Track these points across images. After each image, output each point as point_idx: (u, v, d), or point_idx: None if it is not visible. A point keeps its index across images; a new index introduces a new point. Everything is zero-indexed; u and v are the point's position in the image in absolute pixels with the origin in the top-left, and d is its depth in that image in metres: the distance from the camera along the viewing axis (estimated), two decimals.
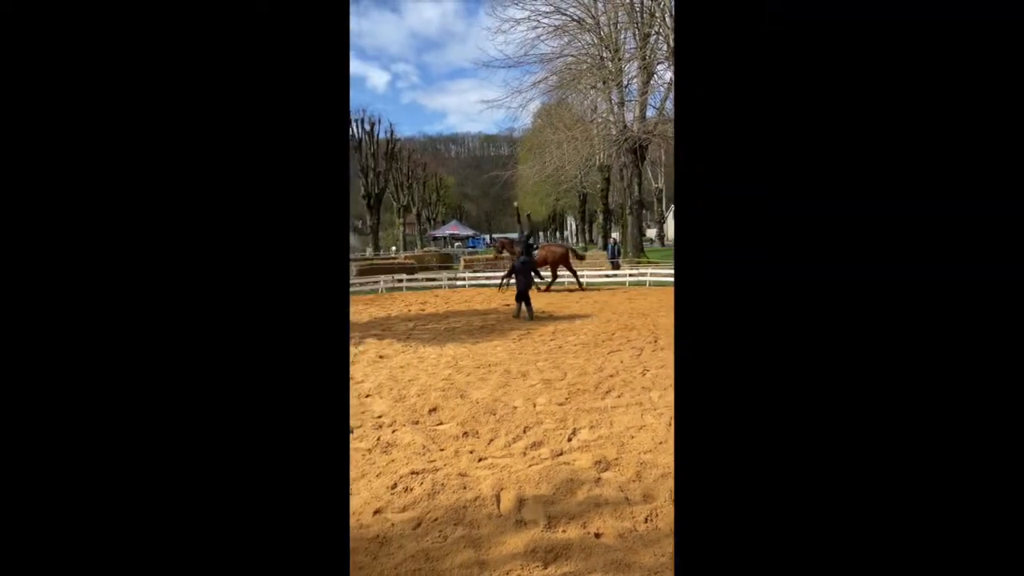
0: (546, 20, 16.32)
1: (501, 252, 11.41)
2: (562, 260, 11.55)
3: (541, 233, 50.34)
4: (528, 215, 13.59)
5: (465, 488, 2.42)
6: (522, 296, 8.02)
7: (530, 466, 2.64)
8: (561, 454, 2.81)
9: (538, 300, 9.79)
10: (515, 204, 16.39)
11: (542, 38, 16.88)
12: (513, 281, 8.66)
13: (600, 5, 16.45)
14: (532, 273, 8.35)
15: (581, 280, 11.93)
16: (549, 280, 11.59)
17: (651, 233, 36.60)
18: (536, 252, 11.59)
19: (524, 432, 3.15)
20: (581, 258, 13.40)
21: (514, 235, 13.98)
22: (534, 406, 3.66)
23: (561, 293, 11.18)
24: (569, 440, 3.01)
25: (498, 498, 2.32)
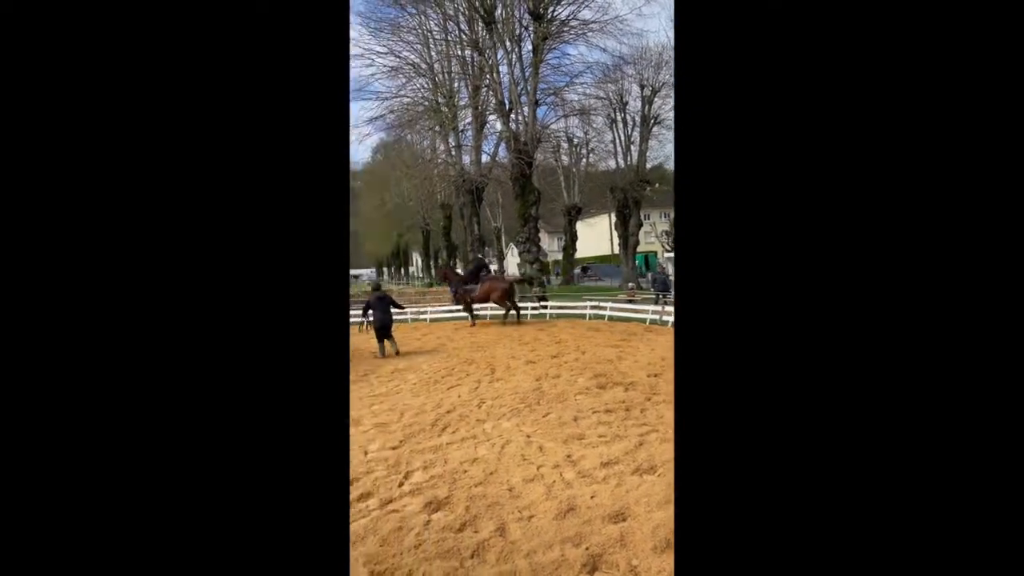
0: (380, 60, 16.47)
1: (444, 282, 10.83)
2: (505, 294, 11.36)
3: (385, 269, 48.89)
4: (479, 255, 13.28)
5: None
6: (384, 331, 7.67)
7: (354, 521, 2.46)
8: (391, 502, 2.68)
9: (372, 340, 9.42)
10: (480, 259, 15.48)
11: (376, 76, 16.97)
12: (371, 318, 8.17)
13: (433, 53, 17.27)
14: (390, 307, 8.04)
15: (521, 314, 11.91)
16: (507, 311, 11.40)
17: (492, 268, 38.45)
18: (479, 286, 11.33)
19: (351, 484, 2.94)
20: (544, 299, 13.43)
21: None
22: (365, 455, 3.45)
23: (406, 328, 10.92)
24: (400, 485, 2.90)
25: None
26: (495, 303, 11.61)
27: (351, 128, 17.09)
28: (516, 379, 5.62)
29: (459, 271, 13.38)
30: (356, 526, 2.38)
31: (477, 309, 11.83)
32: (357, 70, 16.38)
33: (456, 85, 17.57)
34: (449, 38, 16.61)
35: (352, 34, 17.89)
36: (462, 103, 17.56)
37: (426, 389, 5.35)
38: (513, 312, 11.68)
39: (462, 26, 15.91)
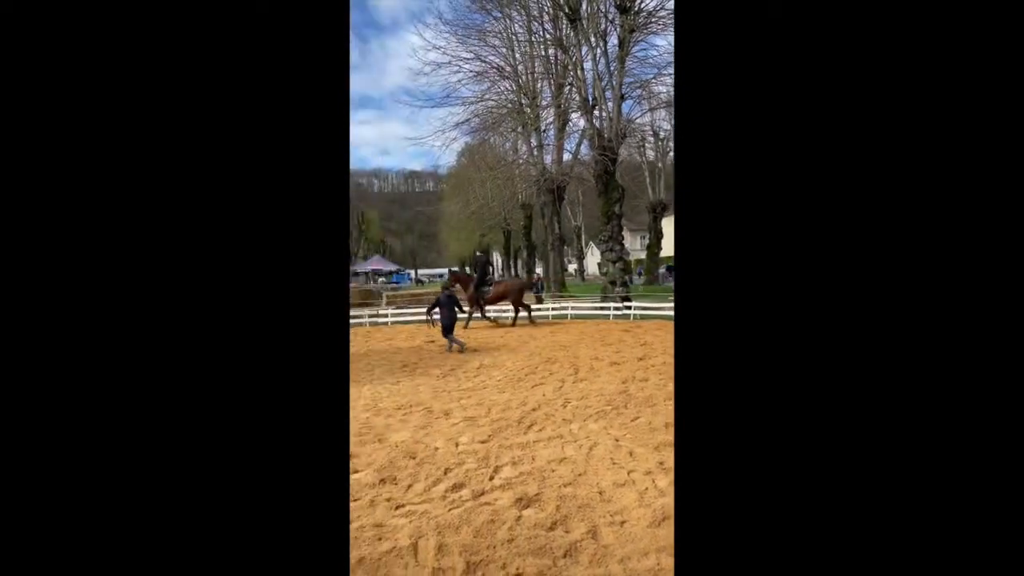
0: (467, 66, 17.01)
1: (453, 285, 11.22)
2: (519, 295, 11.61)
3: (467, 268, 50.57)
4: (479, 251, 13.67)
5: (381, 539, 2.29)
6: (448, 330, 7.95)
7: (450, 510, 2.56)
8: (482, 494, 2.76)
9: (465, 335, 9.72)
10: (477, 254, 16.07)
11: (463, 82, 17.53)
12: (437, 316, 8.56)
13: (518, 55, 17.49)
14: (456, 308, 8.34)
15: (532, 316, 12.03)
16: (518, 313, 11.62)
17: (572, 268, 38.24)
18: (493, 287, 11.61)
19: (445, 474, 3.06)
20: (540, 300, 13.63)
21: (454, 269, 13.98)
22: (456, 446, 3.58)
23: (488, 328, 11.20)
24: (491, 479, 2.97)
25: (416, 547, 2.21)
26: (512, 304, 11.57)
27: (440, 133, 17.79)
28: (601, 381, 5.52)
29: (467, 272, 13.27)
30: (451, 515, 2.48)
31: (468, 310, 11.60)
32: (444, 76, 17.00)
33: (539, 85, 17.65)
34: (533, 38, 16.74)
35: (440, 42, 18.70)
36: (544, 103, 17.61)
37: (511, 386, 5.44)
38: (524, 313, 11.65)
39: (546, 25, 15.95)
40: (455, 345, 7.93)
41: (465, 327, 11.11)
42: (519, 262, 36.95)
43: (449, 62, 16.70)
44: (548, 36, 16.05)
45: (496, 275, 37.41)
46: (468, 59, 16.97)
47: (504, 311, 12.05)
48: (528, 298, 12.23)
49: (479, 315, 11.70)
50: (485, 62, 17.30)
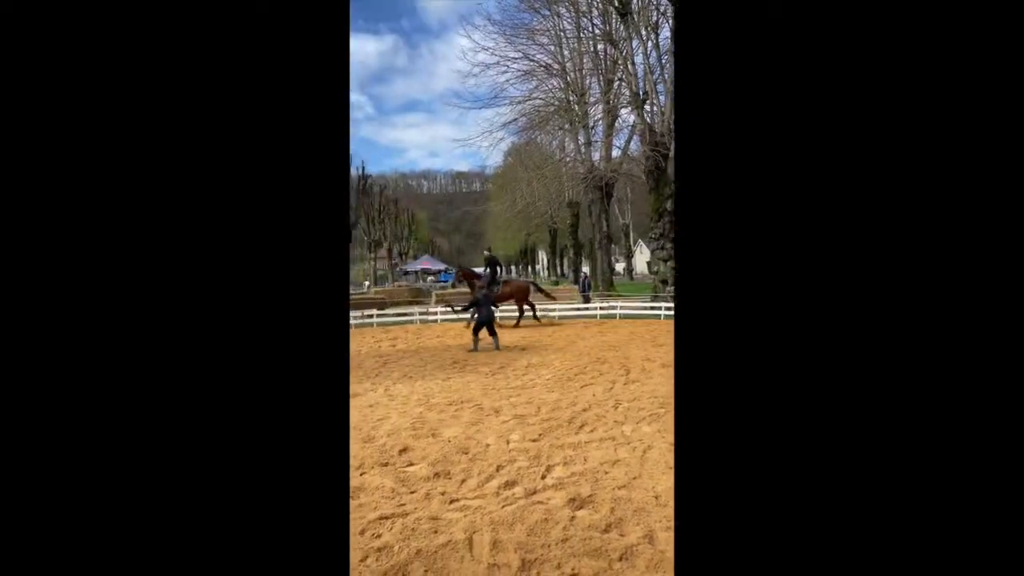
0: (515, 65, 17.07)
1: (460, 282, 11.25)
2: (525, 295, 11.62)
3: (512, 267, 50.82)
4: (488, 249, 13.70)
5: (437, 532, 2.34)
6: (481, 326, 8.10)
7: (503, 507, 2.58)
8: (535, 492, 2.76)
9: (513, 334, 9.78)
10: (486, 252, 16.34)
11: (511, 82, 17.60)
12: (475, 315, 8.70)
13: (566, 52, 17.36)
14: (493, 306, 8.50)
15: (537, 314, 11.98)
16: (516, 315, 11.60)
17: (620, 267, 37.50)
18: (502, 286, 11.61)
19: (497, 471, 3.09)
20: (552, 298, 13.53)
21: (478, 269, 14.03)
22: (507, 443, 3.60)
23: (534, 327, 11.20)
24: (543, 478, 2.96)
25: (471, 542, 2.24)
26: (517, 304, 11.37)
27: (488, 133, 17.98)
28: (653, 382, 5.38)
29: (474, 270, 12.90)
30: (504, 512, 2.50)
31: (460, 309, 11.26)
32: (492, 77, 17.14)
33: (588, 81, 17.44)
34: (582, 34, 16.55)
35: (488, 43, 18.85)
36: (592, 99, 17.38)
37: (560, 386, 5.41)
38: (530, 312, 11.50)
39: (595, 21, 15.72)
40: (491, 340, 8.05)
41: (467, 326, 11.13)
42: (564, 261, 36.67)
43: (497, 62, 16.84)
44: (597, 31, 15.81)
45: (541, 274, 37.27)
46: (516, 58, 17.04)
47: (507, 312, 11.90)
48: (533, 297, 12.09)
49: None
50: (533, 60, 17.31)
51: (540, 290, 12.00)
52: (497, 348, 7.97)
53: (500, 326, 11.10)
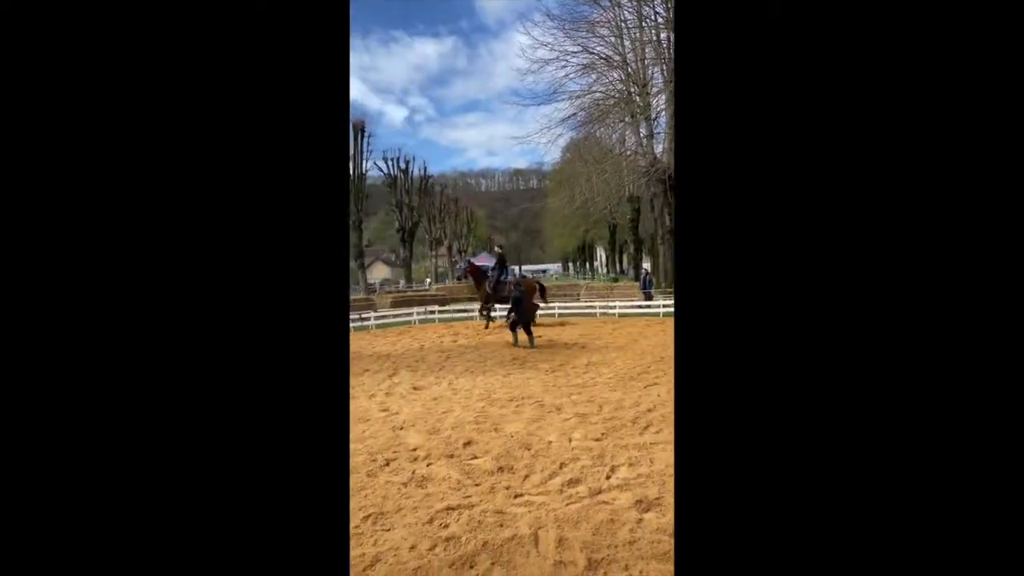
0: (574, 59, 16.83)
1: (465, 278, 11.18)
2: (530, 295, 11.40)
3: (570, 264, 50.33)
4: (499, 247, 13.56)
5: (502, 526, 2.37)
6: (518, 323, 8.27)
7: (568, 504, 2.57)
8: (600, 492, 2.72)
9: (571, 331, 9.71)
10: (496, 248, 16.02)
11: (570, 76, 17.38)
12: (513, 314, 8.78)
13: (627, 43, 16.88)
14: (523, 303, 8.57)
15: (535, 318, 11.61)
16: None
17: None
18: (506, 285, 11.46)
19: (560, 468, 3.08)
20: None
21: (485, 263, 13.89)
22: (569, 441, 3.58)
23: (595, 323, 11.04)
24: (608, 478, 2.92)
25: (536, 537, 2.25)
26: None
27: (546, 130, 17.92)
28: None
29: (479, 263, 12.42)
30: (569, 510, 2.49)
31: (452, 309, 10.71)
32: (551, 73, 17.01)
33: (650, 72, 16.86)
34: (644, 24, 16.01)
35: (547, 39, 18.73)
36: (655, 90, 16.78)
37: (622, 385, 5.30)
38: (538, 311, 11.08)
39: (658, 8, 15.16)
40: (526, 338, 8.14)
41: (483, 325, 10.99)
42: (624, 257, 35.82)
43: (556, 57, 16.67)
44: (660, 19, 15.24)
45: (603, 272, 36.57)
46: (575, 52, 16.80)
47: (502, 312, 11.58)
48: (537, 299, 11.68)
49: (484, 313, 11.40)
50: (592, 53, 16.97)
51: (542, 292, 11.63)
52: (531, 345, 8.09)
53: (500, 327, 11.04)
